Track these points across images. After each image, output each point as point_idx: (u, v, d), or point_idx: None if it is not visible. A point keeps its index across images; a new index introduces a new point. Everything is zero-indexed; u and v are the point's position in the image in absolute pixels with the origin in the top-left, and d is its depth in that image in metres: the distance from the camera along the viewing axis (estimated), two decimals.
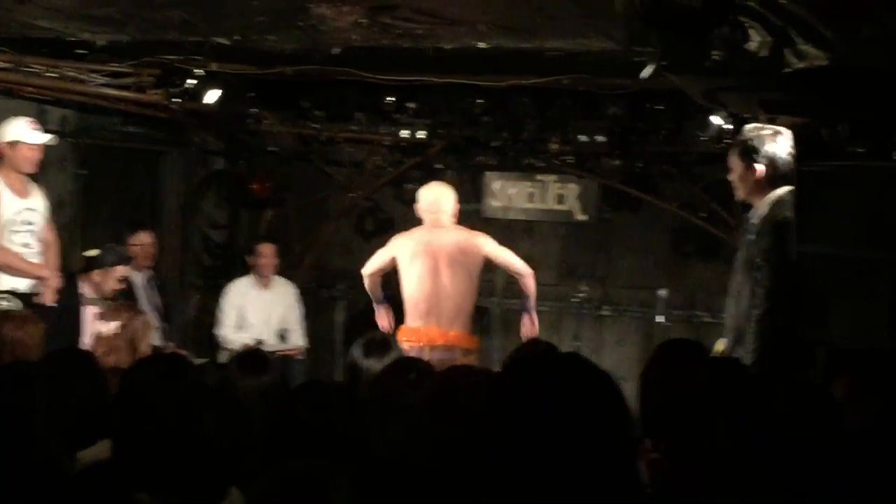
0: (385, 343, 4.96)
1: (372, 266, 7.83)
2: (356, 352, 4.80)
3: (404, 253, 7.56)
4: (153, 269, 8.69)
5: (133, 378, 3.37)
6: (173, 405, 3.02)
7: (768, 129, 5.51)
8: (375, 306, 7.94)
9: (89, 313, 7.49)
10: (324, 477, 2.53)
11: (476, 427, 2.52)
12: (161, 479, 2.90)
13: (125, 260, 7.97)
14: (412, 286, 7.51)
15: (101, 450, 3.76)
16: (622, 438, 2.21)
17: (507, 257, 7.70)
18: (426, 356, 6.94)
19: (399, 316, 7.70)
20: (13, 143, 7.02)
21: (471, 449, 2.66)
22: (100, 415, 3.94)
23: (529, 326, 7.82)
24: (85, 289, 7.68)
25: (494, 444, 2.24)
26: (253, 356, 4.51)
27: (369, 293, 7.98)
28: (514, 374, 2.37)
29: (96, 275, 7.69)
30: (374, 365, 4.67)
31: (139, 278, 8.50)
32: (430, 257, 7.45)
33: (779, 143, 5.44)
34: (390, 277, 7.83)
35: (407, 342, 7.13)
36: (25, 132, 7.05)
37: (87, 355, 4.81)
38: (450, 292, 7.42)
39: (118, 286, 7.79)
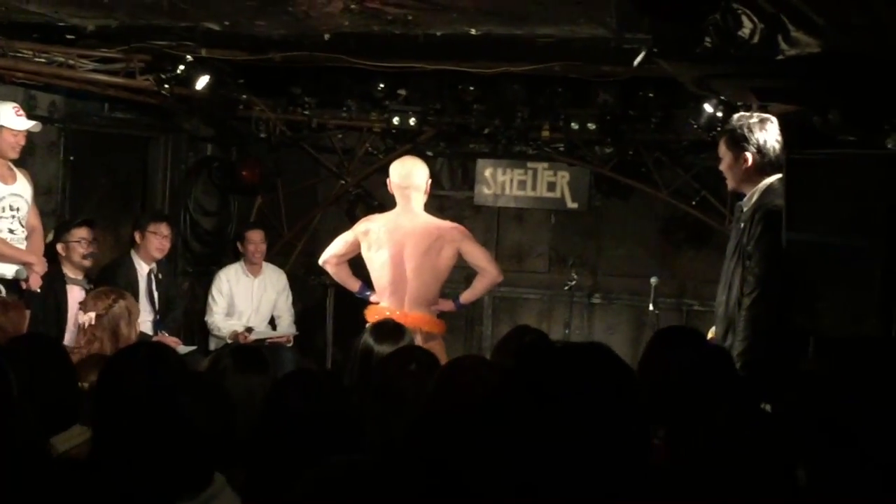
0: (397, 329, 4.95)
1: (329, 252, 7.77)
2: (369, 338, 4.78)
3: (369, 239, 7.48)
4: (159, 263, 8.61)
5: (113, 367, 3.36)
6: (152, 392, 3.00)
7: (756, 118, 5.50)
8: (360, 294, 7.84)
9: (73, 295, 7.48)
10: (366, 474, 2.51)
11: (489, 416, 2.52)
12: (143, 467, 2.89)
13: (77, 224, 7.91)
14: (376, 271, 7.47)
15: (72, 435, 3.76)
16: (640, 427, 2.22)
17: (479, 256, 7.59)
18: None
19: (360, 301, 7.67)
20: None
21: (484, 436, 2.66)
22: (69, 400, 3.93)
23: (444, 305, 7.73)
24: (66, 269, 7.65)
25: (516, 432, 2.24)
26: (250, 353, 4.49)
27: (339, 282, 7.91)
28: (540, 365, 2.37)
29: (61, 249, 7.66)
30: (387, 350, 4.66)
31: (144, 269, 8.46)
32: (396, 245, 7.37)
33: (767, 131, 5.44)
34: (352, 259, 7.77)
35: (371, 320, 7.08)
36: (10, 118, 7.00)
37: (52, 341, 4.80)
38: (413, 277, 7.36)
39: (84, 250, 7.71)
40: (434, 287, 7.50)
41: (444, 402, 3.21)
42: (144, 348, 4.40)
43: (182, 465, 2.92)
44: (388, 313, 7.24)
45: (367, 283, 7.73)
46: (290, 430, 3.41)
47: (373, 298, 7.61)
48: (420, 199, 7.49)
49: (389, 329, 4.91)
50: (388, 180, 7.63)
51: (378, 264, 7.43)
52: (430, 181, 7.59)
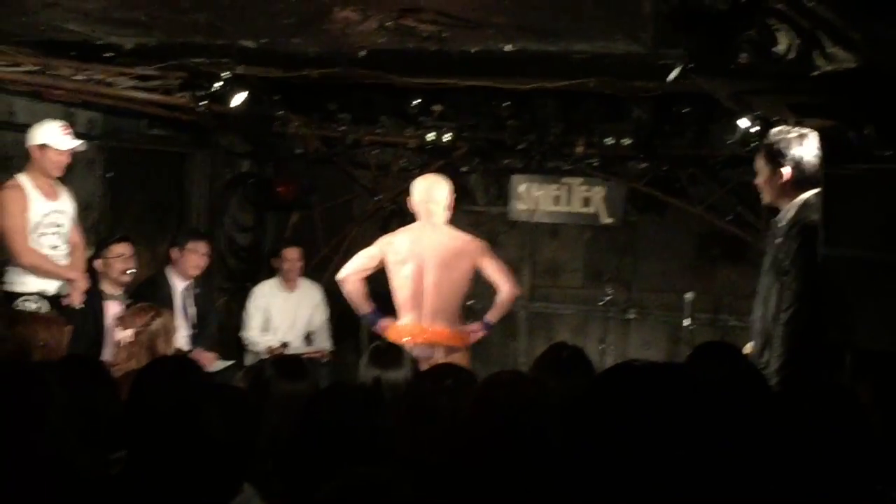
0: (394, 349, 4.93)
1: (350, 268, 7.69)
2: (371, 369, 4.75)
3: (392, 254, 7.51)
4: (196, 279, 8.66)
5: (140, 382, 3.39)
6: (177, 405, 3.03)
7: (794, 132, 5.48)
8: (366, 319, 7.80)
9: (111, 311, 7.52)
10: (388, 485, 2.54)
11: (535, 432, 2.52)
12: (170, 478, 2.92)
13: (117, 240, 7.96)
14: (398, 286, 7.49)
15: None
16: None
17: (496, 271, 7.58)
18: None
19: (395, 316, 7.63)
20: (42, 147, 7.04)
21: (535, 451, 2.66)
22: (113, 419, 3.97)
23: (475, 332, 7.71)
24: (105, 285, 7.70)
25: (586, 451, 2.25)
26: (291, 362, 4.53)
27: (350, 301, 7.72)
28: (613, 386, 2.38)
29: (99, 265, 7.71)
30: (396, 375, 4.66)
31: (180, 285, 8.51)
32: (417, 259, 7.40)
33: (805, 146, 5.41)
34: (380, 274, 7.72)
35: (393, 340, 7.09)
36: (56, 137, 7.07)
37: (97, 362, 4.85)
38: (433, 290, 7.38)
39: (123, 266, 7.75)
40: (454, 301, 7.51)
41: (484, 418, 3.21)
42: (170, 363, 4.44)
43: (208, 476, 2.94)
44: (408, 331, 7.27)
45: (380, 311, 7.68)
46: (325, 444, 3.44)
47: (382, 324, 7.56)
48: (441, 213, 7.54)
49: (385, 353, 4.87)
50: (408, 198, 7.69)
51: (401, 277, 7.46)
52: (451, 197, 7.63)
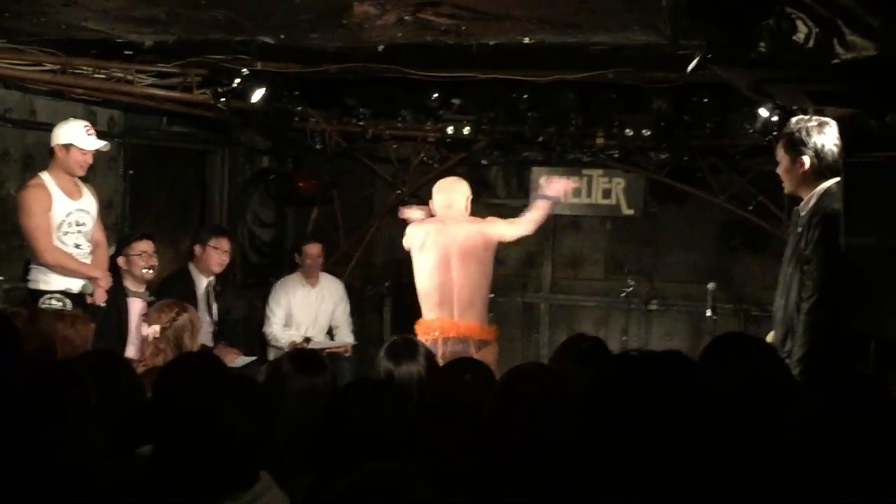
0: (410, 344, 4.92)
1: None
2: (386, 363, 4.76)
3: (416, 243, 7.54)
4: (217, 276, 8.69)
5: (164, 377, 3.43)
6: (196, 398, 3.07)
7: (814, 121, 5.45)
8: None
9: (135, 308, 7.56)
10: (403, 479, 2.55)
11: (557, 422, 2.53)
12: (193, 470, 2.96)
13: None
14: (423, 277, 7.50)
15: None
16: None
17: (507, 224, 7.64)
18: (439, 348, 6.95)
19: (417, 310, 7.66)
20: (67, 146, 7.06)
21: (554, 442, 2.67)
22: (138, 415, 4.01)
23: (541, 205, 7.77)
24: (128, 282, 7.73)
25: (601, 441, 2.26)
26: (307, 356, 4.54)
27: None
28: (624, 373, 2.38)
29: (122, 262, 7.73)
30: (409, 369, 4.66)
31: (202, 282, 8.55)
32: (441, 248, 7.42)
33: (825, 135, 5.39)
34: (404, 268, 7.76)
35: (423, 335, 7.10)
36: (80, 136, 7.08)
37: (120, 357, 4.90)
38: (461, 283, 7.38)
39: (145, 263, 7.77)
40: (484, 288, 7.54)
41: (508, 410, 3.22)
42: (193, 358, 4.48)
43: (226, 465, 2.98)
44: (437, 326, 7.28)
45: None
46: (351, 438, 3.46)
47: (423, 314, 7.60)
48: (461, 212, 7.61)
49: (401, 347, 4.87)
50: (430, 201, 7.73)
51: (426, 270, 7.47)
52: (470, 196, 7.69)
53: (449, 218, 7.53)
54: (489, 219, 7.75)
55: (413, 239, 7.59)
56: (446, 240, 7.44)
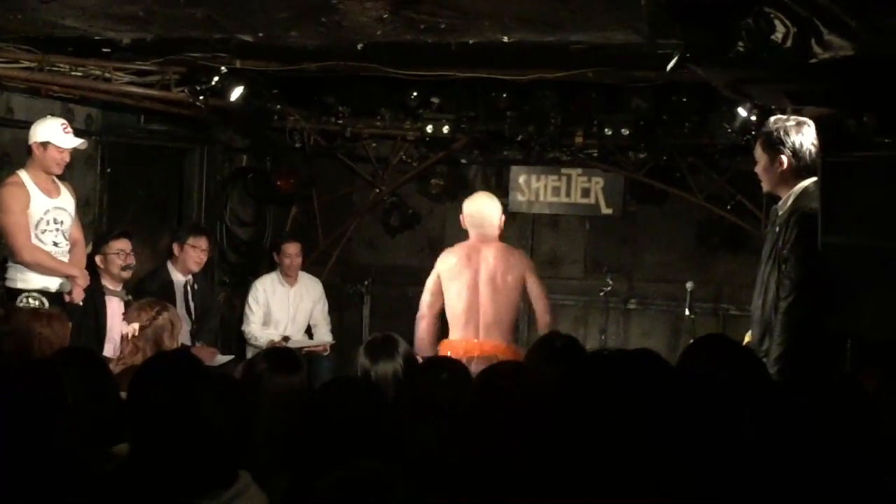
0: (389, 342, 4.91)
1: (427, 298, 7.51)
2: (364, 361, 4.74)
3: (448, 269, 7.43)
4: (196, 275, 8.68)
5: (140, 376, 3.42)
6: (174, 395, 3.05)
7: (792, 121, 5.48)
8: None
9: (112, 306, 7.54)
10: (388, 478, 2.55)
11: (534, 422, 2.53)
12: (171, 469, 2.94)
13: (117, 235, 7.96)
14: (453, 299, 7.40)
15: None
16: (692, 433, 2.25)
17: (540, 292, 7.49)
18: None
19: (444, 329, 7.55)
20: (44, 144, 7.03)
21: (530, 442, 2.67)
22: (113, 413, 3.99)
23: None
24: (105, 281, 7.70)
25: (572, 439, 2.26)
26: (282, 354, 4.54)
27: (417, 341, 7.37)
28: (592, 372, 2.39)
29: (99, 261, 7.71)
30: (385, 367, 4.66)
31: (180, 280, 8.53)
32: (472, 272, 7.34)
33: (803, 134, 5.41)
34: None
35: (447, 355, 7.03)
36: (58, 135, 7.06)
37: (94, 355, 4.87)
38: (488, 304, 7.31)
39: (123, 261, 7.74)
40: (509, 313, 7.42)
41: (485, 408, 3.22)
42: (170, 357, 4.46)
43: (205, 463, 2.97)
44: (462, 346, 7.24)
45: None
46: (330, 437, 3.45)
47: (449, 334, 7.46)
48: (494, 234, 7.47)
49: (380, 345, 4.86)
50: (461, 216, 7.58)
51: (454, 292, 7.38)
52: (503, 217, 7.57)
53: (481, 240, 7.47)
54: (528, 259, 7.75)
55: (445, 264, 7.48)
56: (476, 264, 7.36)
